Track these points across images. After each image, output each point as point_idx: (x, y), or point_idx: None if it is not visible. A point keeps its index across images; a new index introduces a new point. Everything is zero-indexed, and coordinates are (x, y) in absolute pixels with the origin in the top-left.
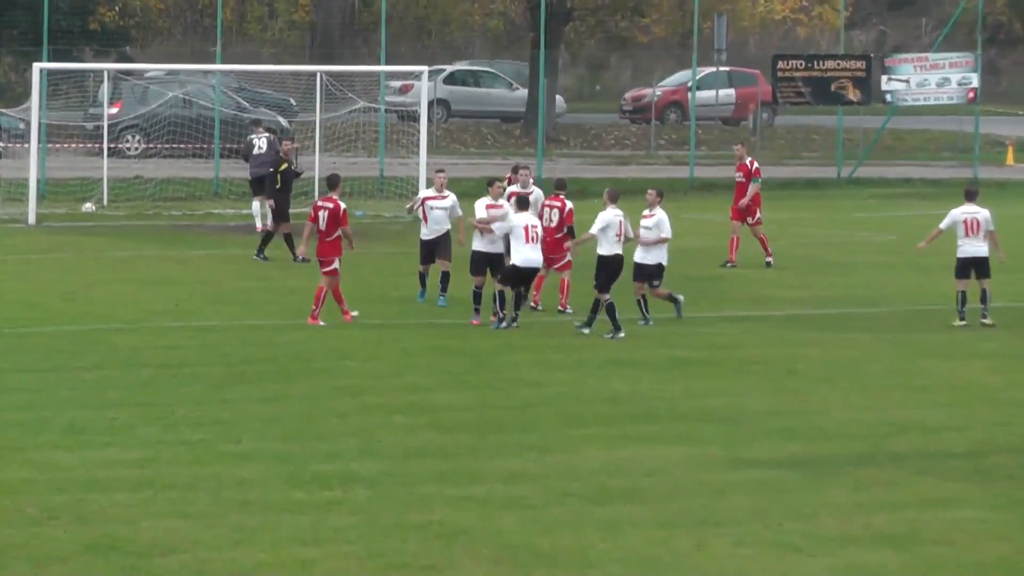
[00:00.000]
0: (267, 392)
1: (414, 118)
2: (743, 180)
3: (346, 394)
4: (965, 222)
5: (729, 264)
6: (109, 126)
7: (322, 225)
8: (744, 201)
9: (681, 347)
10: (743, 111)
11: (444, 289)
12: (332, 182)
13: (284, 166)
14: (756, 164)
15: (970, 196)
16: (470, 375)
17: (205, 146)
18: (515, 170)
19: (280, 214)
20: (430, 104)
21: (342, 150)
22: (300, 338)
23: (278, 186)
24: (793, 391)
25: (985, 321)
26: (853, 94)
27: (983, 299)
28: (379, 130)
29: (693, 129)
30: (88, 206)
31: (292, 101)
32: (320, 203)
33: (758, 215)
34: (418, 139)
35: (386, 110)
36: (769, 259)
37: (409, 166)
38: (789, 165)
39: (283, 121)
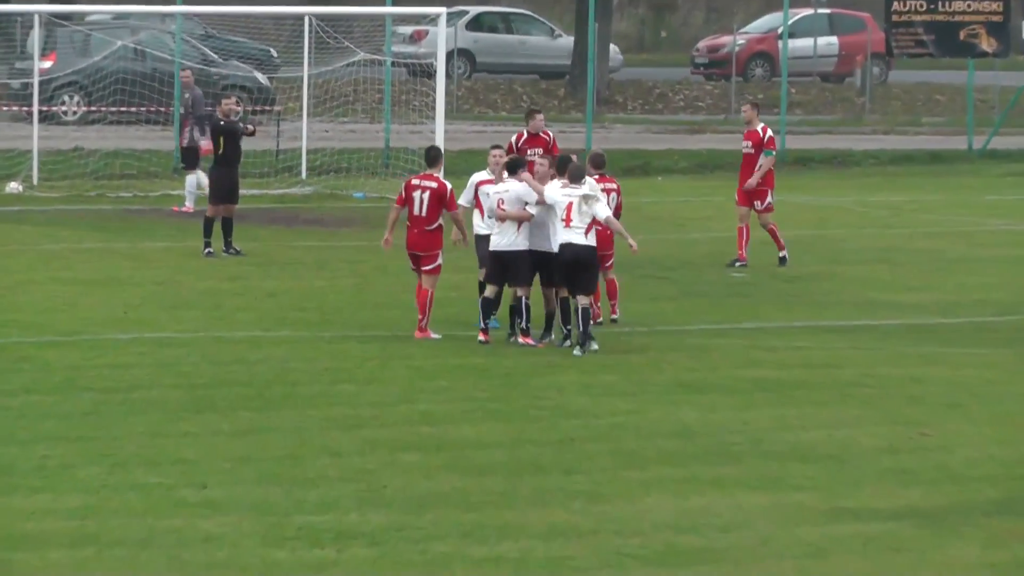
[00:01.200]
0: (240, 423)
1: (429, 74)
2: (751, 152)
3: (341, 426)
4: None
5: (739, 263)
6: (40, 84)
7: (420, 210)
8: (753, 180)
9: (767, 366)
10: (848, 65)
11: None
12: (433, 157)
13: (225, 127)
14: (770, 132)
15: None
16: (500, 402)
17: (163, 110)
18: (527, 117)
19: (219, 191)
20: (449, 56)
21: (337, 114)
22: (282, 354)
23: (221, 150)
24: (911, 422)
25: None
26: (987, 43)
27: None
28: (384, 89)
29: (785, 88)
30: (13, 186)
31: (273, 52)
32: (417, 181)
33: (768, 200)
34: (434, 100)
35: (393, 63)
36: (783, 253)
37: (422, 134)
38: (906, 134)
39: (261, 78)
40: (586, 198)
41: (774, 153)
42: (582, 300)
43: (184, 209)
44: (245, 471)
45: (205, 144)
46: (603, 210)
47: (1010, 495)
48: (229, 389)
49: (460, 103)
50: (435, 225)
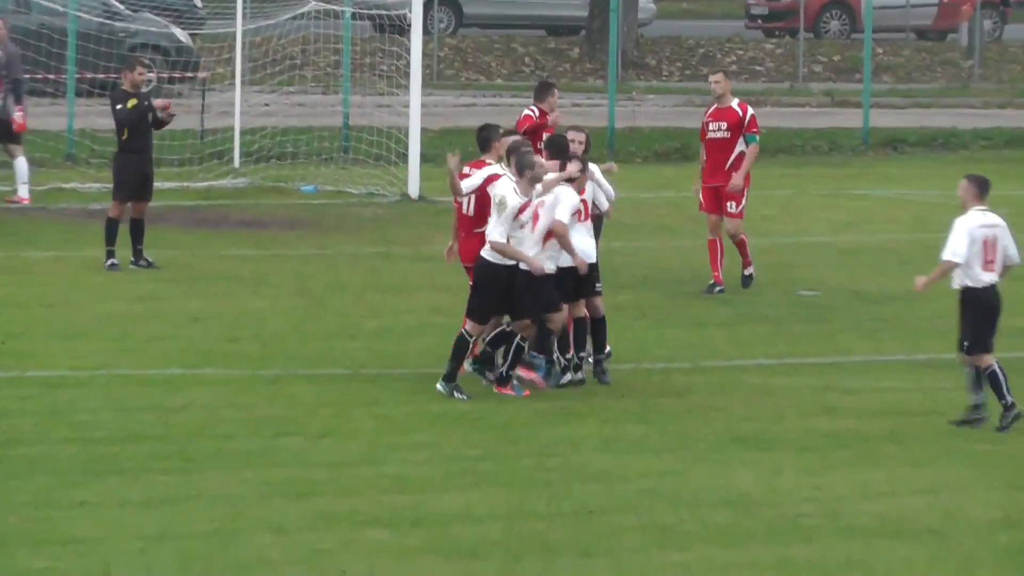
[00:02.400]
0: (154, 490)
1: (401, 29)
2: (726, 136)
3: (287, 494)
4: None
5: (717, 287)
6: None
7: (467, 208)
8: (739, 177)
9: (847, 414)
10: (951, 17)
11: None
12: (483, 139)
13: (133, 103)
14: (751, 110)
15: None
16: (496, 461)
17: (52, 77)
18: (543, 92)
19: (126, 185)
20: (427, 5)
21: (280, 83)
22: (208, 399)
23: (124, 136)
24: None
25: None
26: None
27: None
28: (342, 50)
29: (869, 48)
30: None
31: (198, 2)
32: (467, 169)
33: (744, 202)
34: (407, 65)
35: (354, 16)
36: (749, 270)
37: (392, 109)
38: None
39: (181, 35)
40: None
41: (758, 137)
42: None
43: (16, 200)
44: (160, 553)
45: (20, 118)
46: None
47: None
48: (139, 445)
49: (442, 67)
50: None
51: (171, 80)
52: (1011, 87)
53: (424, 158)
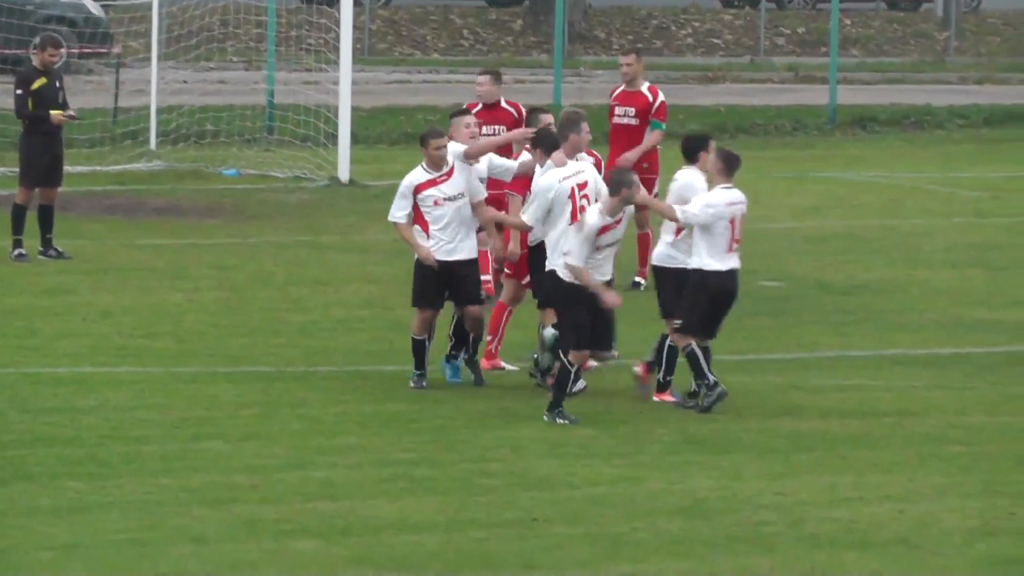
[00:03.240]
0: (64, 497)
1: (329, 0)
2: (634, 123)
3: (207, 501)
4: None
5: (638, 282)
6: None
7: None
8: (633, 155)
9: (812, 414)
10: None
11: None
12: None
13: (43, 82)
14: (661, 96)
15: None
16: (432, 467)
17: None
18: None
19: (34, 169)
20: None
21: (199, 57)
22: (122, 400)
23: (33, 116)
24: (1017, 492)
25: None
26: None
27: None
28: (266, 22)
29: (836, 19)
30: None
31: None
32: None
33: (655, 192)
34: (336, 38)
35: None
36: (640, 279)
37: (320, 85)
38: (1008, 83)
39: (92, 6)
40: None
41: (664, 126)
42: None
43: None
44: (72, 564)
45: None
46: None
47: None
48: (48, 449)
49: (374, 41)
50: None
51: (81, 55)
52: (989, 61)
53: (355, 139)
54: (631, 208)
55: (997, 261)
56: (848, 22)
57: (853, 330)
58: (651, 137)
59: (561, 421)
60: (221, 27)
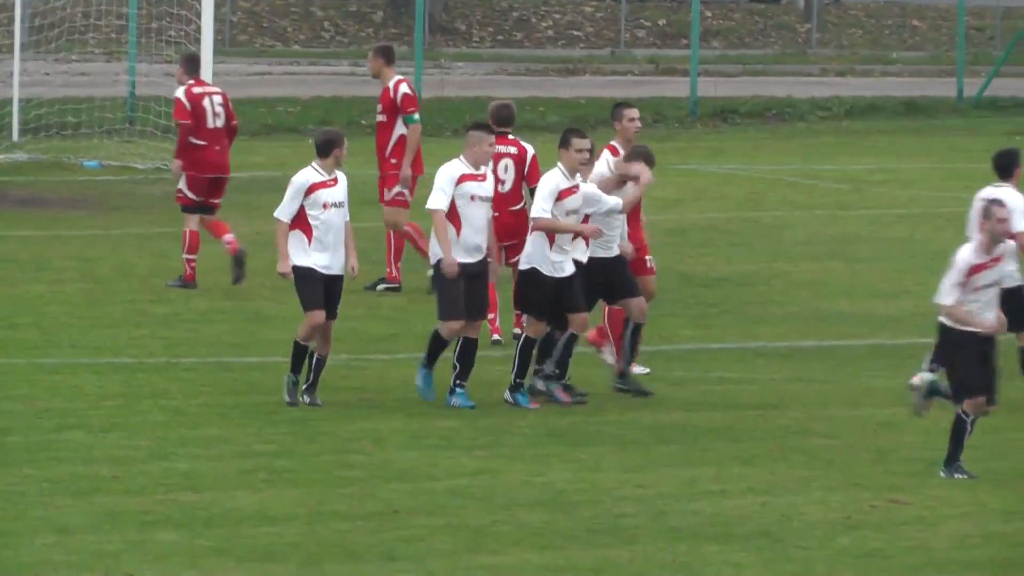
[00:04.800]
0: None
1: None
2: (382, 119)
3: (70, 491)
4: None
5: (386, 284)
6: None
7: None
8: (405, 170)
9: (673, 406)
10: None
11: (462, 376)
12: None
13: None
14: (405, 87)
15: None
16: (293, 458)
17: None
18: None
19: None
20: None
21: (60, 49)
22: None
23: None
24: (878, 485)
25: None
26: None
27: None
28: (127, 14)
29: (697, 10)
30: None
31: None
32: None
33: (398, 189)
34: (197, 30)
35: None
36: (393, 283)
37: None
38: (870, 75)
39: None
40: None
41: (418, 118)
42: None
43: None
44: None
45: None
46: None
47: None
48: None
49: (235, 33)
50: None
51: None
52: (852, 53)
53: None
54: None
55: (858, 254)
56: (709, 14)
57: (715, 322)
58: (410, 134)
59: (959, 476)
60: (83, 19)
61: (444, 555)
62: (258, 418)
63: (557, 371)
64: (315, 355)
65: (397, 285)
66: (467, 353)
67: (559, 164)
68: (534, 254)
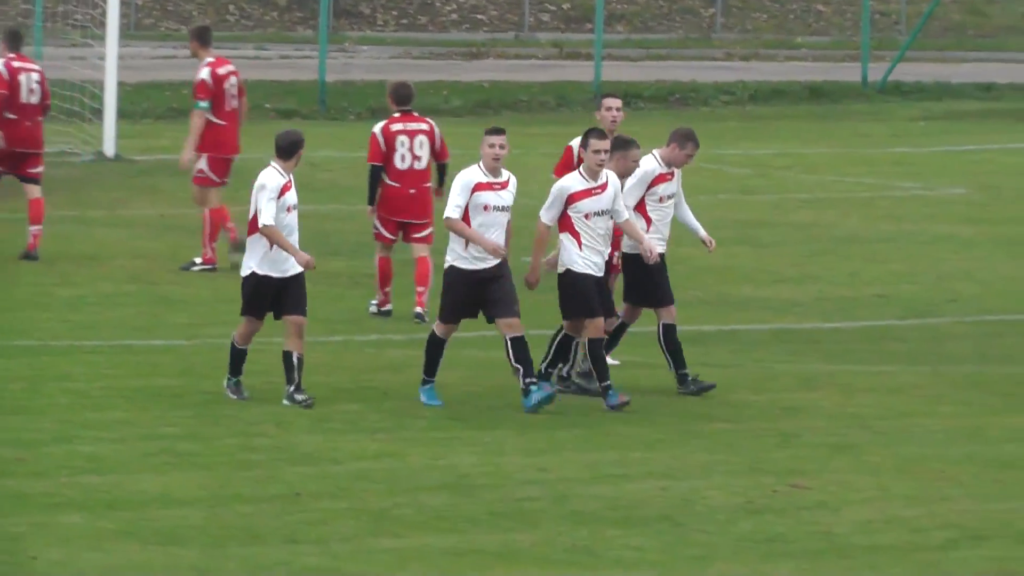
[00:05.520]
0: None
1: None
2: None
3: None
4: None
5: (204, 264)
6: None
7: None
8: (187, 153)
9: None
10: None
11: (528, 374)
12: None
13: None
14: (204, 72)
15: None
16: (197, 441)
17: None
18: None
19: None
20: None
21: None
22: None
23: None
24: (780, 470)
25: None
26: None
27: None
28: None
29: None
30: None
31: None
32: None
33: (201, 167)
34: (103, 14)
35: None
36: (211, 262)
37: (87, 61)
38: (775, 60)
39: None
40: None
41: (204, 104)
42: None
43: None
44: None
45: None
46: None
47: (919, 574)
48: None
49: (140, 16)
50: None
51: None
52: (756, 38)
53: (121, 114)
54: None
55: (763, 238)
56: None
57: (618, 307)
58: (192, 121)
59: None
60: None
61: (347, 538)
62: (162, 401)
63: (550, 369)
64: (294, 355)
65: (212, 267)
66: (520, 351)
67: (579, 168)
68: (565, 255)
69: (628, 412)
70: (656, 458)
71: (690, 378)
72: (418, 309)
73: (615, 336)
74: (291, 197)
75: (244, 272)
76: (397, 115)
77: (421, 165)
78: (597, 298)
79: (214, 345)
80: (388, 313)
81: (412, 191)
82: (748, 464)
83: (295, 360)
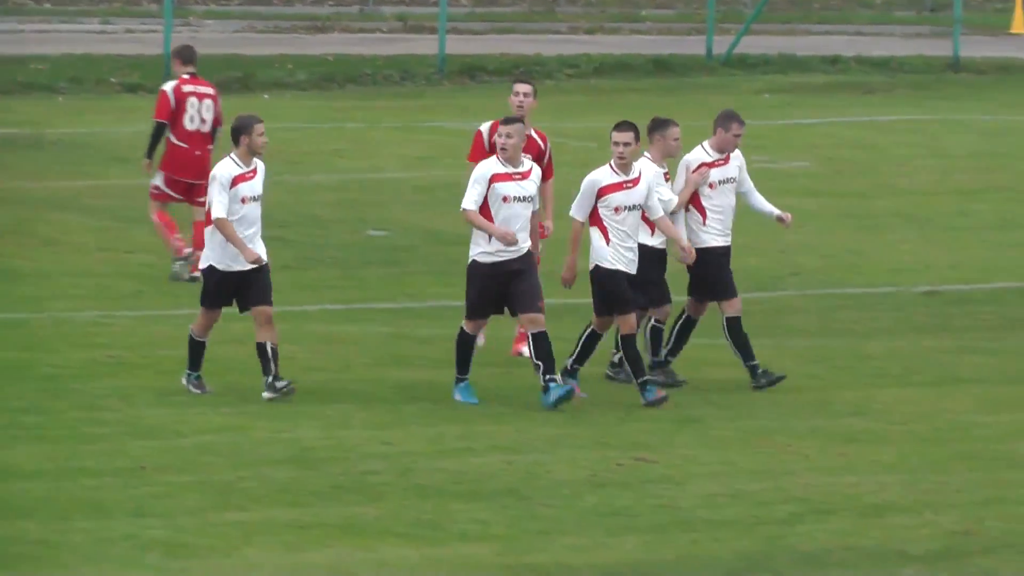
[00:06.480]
0: None
1: None
2: None
3: None
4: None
5: (180, 260)
6: None
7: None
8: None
9: (420, 364)
10: None
11: (548, 370)
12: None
13: None
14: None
15: None
16: (41, 415)
17: None
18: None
19: None
20: None
21: None
22: None
23: None
24: (625, 443)
25: None
26: None
27: None
28: None
29: None
30: None
31: None
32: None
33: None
34: None
35: None
36: (180, 253)
37: None
38: (619, 32)
39: None
40: None
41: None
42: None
43: None
44: None
45: None
46: None
47: (762, 548)
48: None
49: None
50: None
51: None
52: (600, 11)
53: None
54: None
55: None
56: None
57: (460, 280)
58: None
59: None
60: None
61: (192, 512)
62: (6, 375)
63: (577, 366)
64: (268, 345)
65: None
66: (542, 347)
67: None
68: (593, 251)
69: (473, 386)
70: (501, 432)
71: (760, 371)
72: (196, 273)
73: (684, 333)
74: (247, 188)
75: (202, 265)
76: (187, 76)
77: (207, 128)
78: (628, 293)
79: (59, 319)
80: (190, 256)
81: (198, 153)
82: (593, 438)
83: (269, 350)
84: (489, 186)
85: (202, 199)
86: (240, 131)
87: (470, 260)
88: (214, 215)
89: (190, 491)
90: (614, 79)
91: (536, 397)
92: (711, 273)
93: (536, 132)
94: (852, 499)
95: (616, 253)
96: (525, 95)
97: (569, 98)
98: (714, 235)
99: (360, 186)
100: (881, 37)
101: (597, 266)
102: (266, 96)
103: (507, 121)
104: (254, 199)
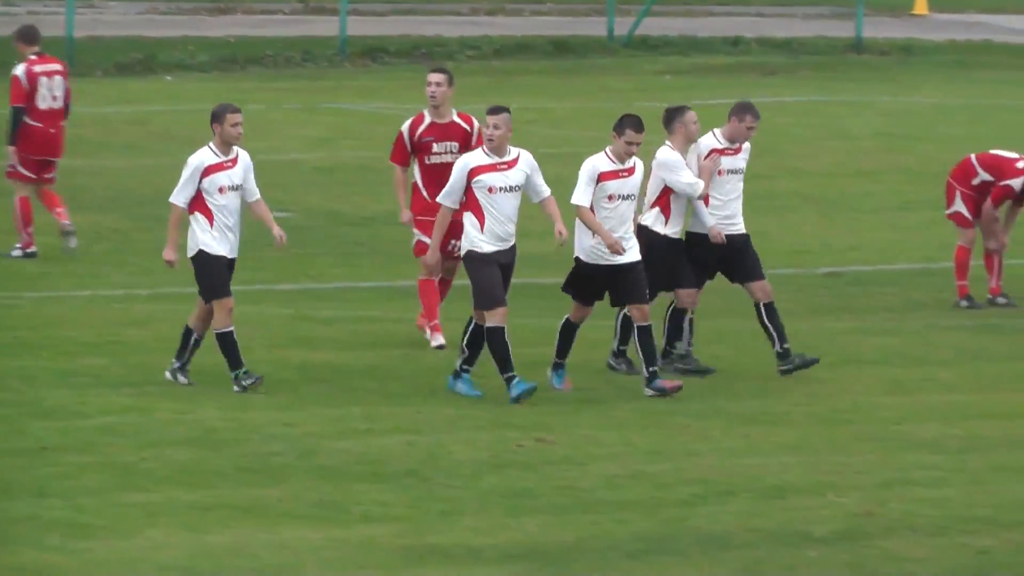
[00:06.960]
0: None
1: None
2: None
3: None
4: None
5: (23, 249)
6: None
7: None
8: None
9: (322, 345)
10: None
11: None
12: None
13: None
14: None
15: None
16: None
17: None
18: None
19: None
20: None
21: None
22: None
23: None
24: (526, 424)
25: None
26: None
27: None
28: None
29: None
30: None
31: None
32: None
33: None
34: None
35: None
36: (28, 247)
37: None
38: (520, 14)
39: None
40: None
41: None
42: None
43: None
44: None
45: None
46: None
47: (663, 529)
48: None
49: None
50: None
51: None
52: None
53: None
54: None
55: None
56: None
57: (363, 261)
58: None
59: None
60: None
61: (94, 492)
62: None
63: (623, 348)
64: (194, 335)
65: (32, 251)
66: (478, 339)
67: (607, 149)
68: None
69: (373, 368)
70: (402, 413)
71: (791, 355)
72: (33, 249)
73: (675, 322)
74: (224, 177)
75: (191, 252)
76: (34, 57)
77: (59, 104)
78: (599, 285)
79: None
80: (34, 255)
81: (52, 131)
82: (493, 419)
83: (195, 340)
84: (471, 178)
85: (50, 175)
86: (213, 119)
87: (465, 251)
88: (171, 199)
89: (92, 472)
90: (515, 60)
91: (439, 380)
92: (737, 257)
93: (460, 116)
94: (754, 480)
95: (597, 250)
96: (438, 84)
97: (471, 79)
98: (719, 223)
99: (261, 167)
100: (783, 18)
101: (577, 258)
102: (169, 78)
103: (493, 111)
104: (232, 188)
